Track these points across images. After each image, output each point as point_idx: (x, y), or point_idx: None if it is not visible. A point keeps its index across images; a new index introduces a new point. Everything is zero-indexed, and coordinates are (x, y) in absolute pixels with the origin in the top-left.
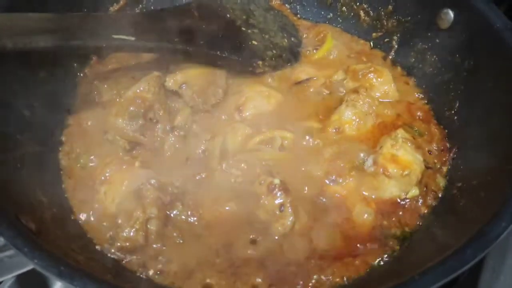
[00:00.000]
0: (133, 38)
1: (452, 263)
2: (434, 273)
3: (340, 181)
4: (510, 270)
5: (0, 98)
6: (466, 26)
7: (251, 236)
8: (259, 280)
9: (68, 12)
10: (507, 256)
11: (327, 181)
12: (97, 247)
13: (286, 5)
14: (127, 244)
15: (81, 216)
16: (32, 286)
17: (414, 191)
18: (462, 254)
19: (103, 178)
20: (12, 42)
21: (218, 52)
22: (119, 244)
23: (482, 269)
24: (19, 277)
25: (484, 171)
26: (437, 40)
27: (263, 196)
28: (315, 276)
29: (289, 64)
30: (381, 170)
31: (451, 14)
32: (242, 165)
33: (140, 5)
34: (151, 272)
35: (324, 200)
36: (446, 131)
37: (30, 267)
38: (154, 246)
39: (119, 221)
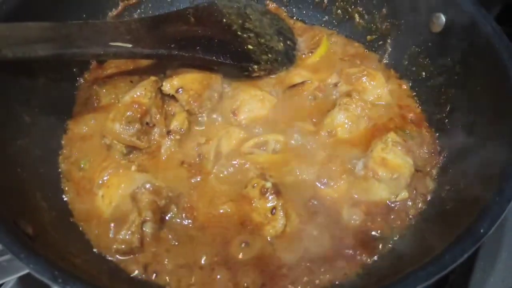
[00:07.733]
0: (130, 45)
1: (431, 269)
2: (413, 278)
3: (332, 184)
4: (500, 272)
5: (1, 104)
6: (457, 30)
7: (244, 238)
8: (251, 280)
9: (67, 18)
10: (498, 257)
11: (319, 184)
12: (94, 249)
13: (282, 8)
14: (123, 246)
15: (79, 219)
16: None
17: (404, 194)
18: (441, 260)
19: (100, 181)
20: (11, 52)
21: (214, 58)
22: (115, 246)
23: (473, 270)
24: (20, 279)
25: (472, 175)
26: (430, 44)
27: (255, 199)
28: (305, 278)
29: (284, 68)
30: (371, 173)
31: (442, 18)
32: (235, 168)
33: (139, 10)
34: (147, 273)
35: (315, 203)
36: (437, 134)
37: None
38: (150, 248)
39: (116, 224)
